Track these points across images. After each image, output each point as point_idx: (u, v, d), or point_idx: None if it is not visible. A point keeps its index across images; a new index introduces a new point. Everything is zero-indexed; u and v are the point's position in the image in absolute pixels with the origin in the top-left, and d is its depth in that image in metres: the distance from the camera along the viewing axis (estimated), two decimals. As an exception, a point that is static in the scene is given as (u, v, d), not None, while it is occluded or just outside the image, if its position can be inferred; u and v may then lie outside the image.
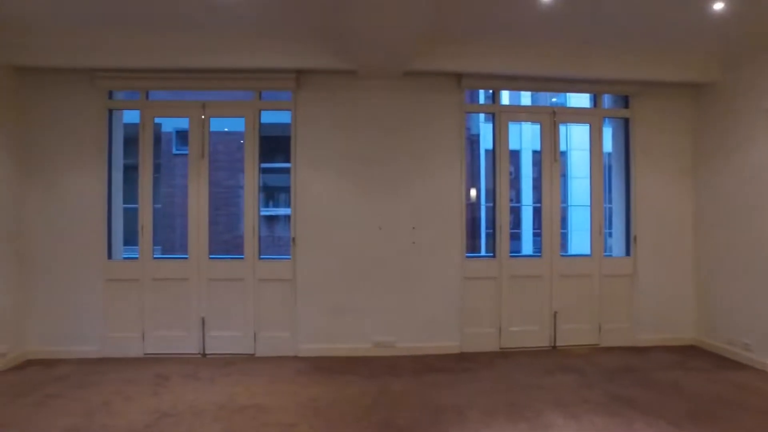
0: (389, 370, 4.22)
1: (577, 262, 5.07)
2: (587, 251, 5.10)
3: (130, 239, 4.78)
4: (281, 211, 10.37)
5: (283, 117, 4.72)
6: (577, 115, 5.54)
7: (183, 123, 4.69)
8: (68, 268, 4.56)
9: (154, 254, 4.71)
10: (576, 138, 14.20)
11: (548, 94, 11.53)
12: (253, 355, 4.65)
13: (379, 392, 3.68)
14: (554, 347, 4.87)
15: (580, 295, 4.92)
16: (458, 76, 4.72)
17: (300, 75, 4.62)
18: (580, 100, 9.21)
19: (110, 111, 4.65)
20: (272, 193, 10.67)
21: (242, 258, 4.71)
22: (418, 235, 4.74)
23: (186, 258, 4.68)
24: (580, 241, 13.20)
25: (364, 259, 4.70)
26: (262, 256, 4.76)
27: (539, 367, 4.30)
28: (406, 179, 4.74)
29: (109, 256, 4.64)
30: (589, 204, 5.09)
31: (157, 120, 4.80)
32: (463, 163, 4.83)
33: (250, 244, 4.68)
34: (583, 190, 13.73)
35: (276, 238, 10.25)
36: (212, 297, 4.66)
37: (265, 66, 4.39)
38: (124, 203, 4.84)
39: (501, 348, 4.82)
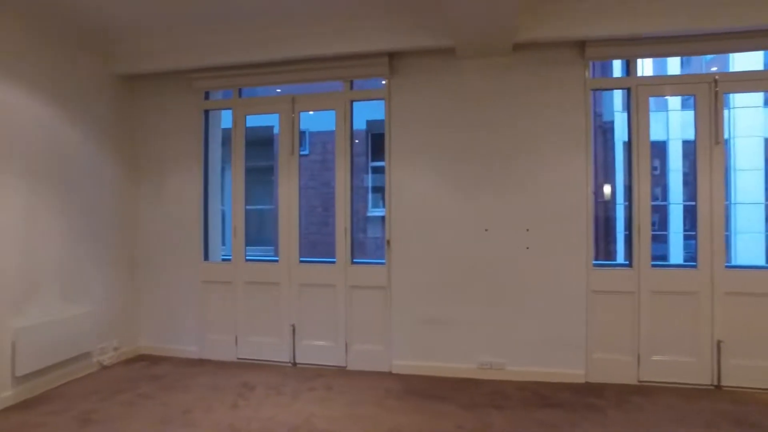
0: (493, 399, 3.53)
1: (751, 276, 3.83)
2: (762, 262, 3.85)
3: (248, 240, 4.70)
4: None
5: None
6: (751, 82, 4.22)
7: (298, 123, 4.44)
8: (172, 268, 4.65)
9: (247, 256, 4.59)
10: (740, 123, 11.80)
11: (703, 59, 9.03)
12: (344, 368, 4.28)
13: (477, 430, 3.03)
14: (718, 387, 3.73)
15: (757, 320, 3.71)
16: (581, 45, 3.86)
17: (393, 59, 4.15)
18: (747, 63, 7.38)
19: (206, 112, 4.65)
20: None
21: (333, 262, 4.37)
22: (532, 238, 3.97)
23: (276, 261, 4.48)
24: (747, 248, 10.87)
25: (469, 265, 4.07)
26: (355, 260, 4.38)
27: (694, 413, 3.27)
28: (518, 173, 4.00)
29: (206, 257, 4.63)
30: (764, 201, 3.82)
31: (268, 123, 4.67)
32: (588, 151, 3.95)
33: (342, 248, 4.33)
34: (751, 184, 11.32)
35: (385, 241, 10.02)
36: (303, 303, 4.40)
37: (354, 51, 3.99)
38: (249, 205, 4.78)
39: (639, 381, 3.83)
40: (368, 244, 8.69)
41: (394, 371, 4.17)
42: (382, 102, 4.26)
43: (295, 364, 4.38)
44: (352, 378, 4.04)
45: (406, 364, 4.15)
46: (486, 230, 4.05)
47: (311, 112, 7.32)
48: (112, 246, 4.47)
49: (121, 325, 4.56)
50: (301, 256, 4.44)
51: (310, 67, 4.24)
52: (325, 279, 4.36)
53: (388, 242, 4.24)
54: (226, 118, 4.83)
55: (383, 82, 4.24)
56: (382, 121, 4.26)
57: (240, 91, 4.57)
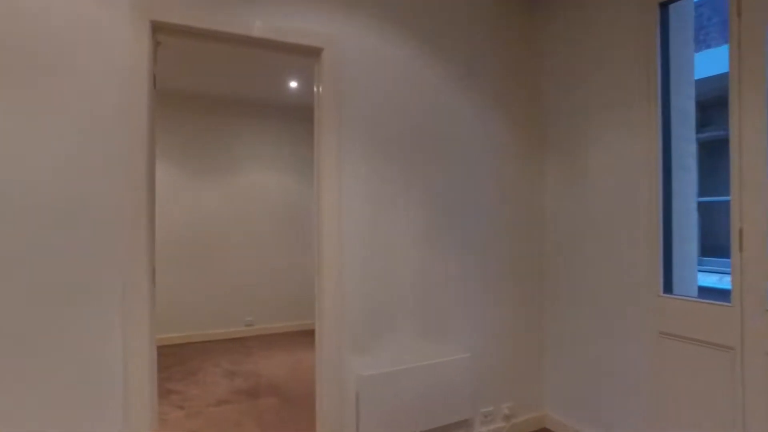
0: None
1: None
2: None
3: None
4: None
5: None
6: None
7: None
8: (601, 300, 2.66)
9: None
10: None
11: None
12: None
13: None
14: None
15: None
16: None
17: None
18: None
19: (663, 10, 2.42)
20: None
21: None
22: None
23: None
24: None
25: None
26: None
27: None
28: None
29: (667, 288, 2.39)
30: None
31: None
32: None
33: None
34: None
35: None
36: None
37: None
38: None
39: None
40: None
41: None
42: None
43: None
44: None
45: None
46: None
47: None
48: (500, 257, 2.88)
49: (517, 381, 2.91)
50: None
51: None
52: None
53: None
54: (704, 62, 2.44)
55: None
56: None
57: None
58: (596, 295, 2.68)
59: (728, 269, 2.53)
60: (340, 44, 2.39)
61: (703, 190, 2.48)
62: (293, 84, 4.97)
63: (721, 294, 2.72)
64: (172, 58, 4.20)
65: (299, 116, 5.80)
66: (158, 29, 2.05)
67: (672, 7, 2.45)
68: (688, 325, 2.25)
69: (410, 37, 2.59)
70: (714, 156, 3.52)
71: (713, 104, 3.45)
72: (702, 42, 2.53)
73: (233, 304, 5.34)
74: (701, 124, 2.72)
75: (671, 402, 2.33)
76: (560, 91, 2.92)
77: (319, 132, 2.37)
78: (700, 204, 2.50)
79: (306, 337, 5.40)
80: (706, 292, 2.27)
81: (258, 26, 2.18)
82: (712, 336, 2.17)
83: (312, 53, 2.36)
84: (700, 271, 2.43)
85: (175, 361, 4.45)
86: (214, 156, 5.34)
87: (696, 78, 2.54)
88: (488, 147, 2.84)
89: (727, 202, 2.25)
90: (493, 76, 2.88)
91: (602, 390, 2.64)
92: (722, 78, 2.20)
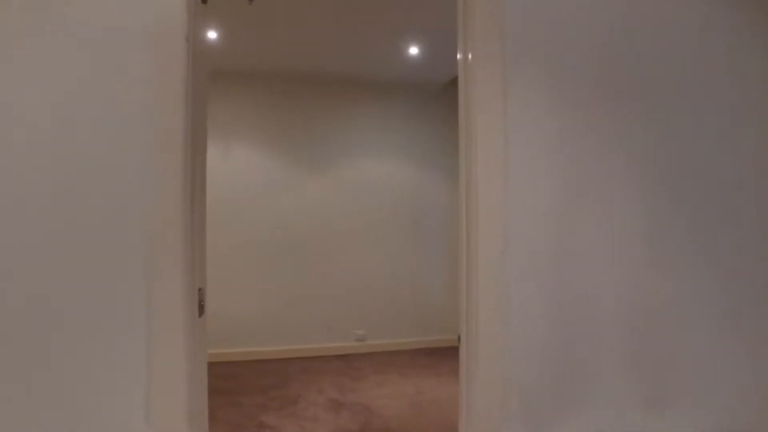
0: None
1: None
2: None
3: None
4: None
5: None
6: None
7: None
8: None
9: None
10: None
11: None
12: None
13: None
14: None
15: None
16: None
17: None
18: None
19: None
20: None
21: None
22: None
23: None
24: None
25: None
26: None
27: None
28: None
29: None
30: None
31: None
32: None
33: None
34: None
35: None
36: None
37: None
38: None
39: None
40: None
41: None
42: None
43: None
44: None
45: None
46: None
47: None
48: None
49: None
50: None
51: None
52: None
53: None
54: None
55: None
56: None
57: None
58: None
59: None
60: None
61: None
62: (413, 50, 4.09)
63: None
64: (267, 31, 3.60)
65: (420, 91, 4.90)
66: None
67: None
68: None
69: None
70: None
71: None
72: None
73: (342, 316, 4.60)
74: None
75: None
76: None
77: (467, 99, 1.41)
78: None
79: (429, 357, 4.47)
80: None
81: None
82: None
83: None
84: None
85: (276, 381, 3.80)
86: (318, 143, 4.65)
87: None
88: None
89: None
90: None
91: None
92: None
